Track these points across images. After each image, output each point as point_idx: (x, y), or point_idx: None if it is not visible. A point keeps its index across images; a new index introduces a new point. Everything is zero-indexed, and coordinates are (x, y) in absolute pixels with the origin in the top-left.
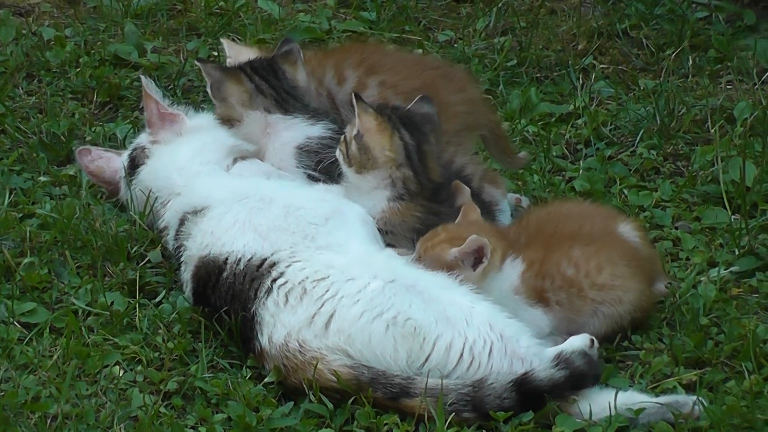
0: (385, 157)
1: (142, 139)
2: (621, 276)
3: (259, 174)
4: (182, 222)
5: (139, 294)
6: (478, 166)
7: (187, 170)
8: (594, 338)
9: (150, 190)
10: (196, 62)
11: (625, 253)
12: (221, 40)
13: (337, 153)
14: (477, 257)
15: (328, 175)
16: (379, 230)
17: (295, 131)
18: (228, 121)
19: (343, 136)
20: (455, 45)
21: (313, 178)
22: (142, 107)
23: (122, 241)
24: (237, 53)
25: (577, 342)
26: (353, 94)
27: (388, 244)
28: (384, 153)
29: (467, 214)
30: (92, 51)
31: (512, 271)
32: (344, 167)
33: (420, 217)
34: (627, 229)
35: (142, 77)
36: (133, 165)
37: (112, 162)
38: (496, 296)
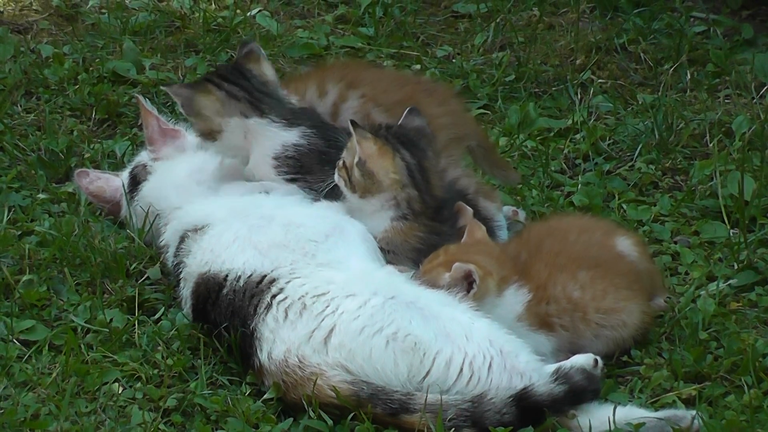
0: (390, 180)
1: (143, 156)
2: (625, 299)
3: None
4: (182, 239)
5: (138, 311)
6: (472, 179)
7: (186, 188)
8: (598, 358)
9: (150, 206)
10: (162, 88)
11: (629, 276)
12: None
13: (337, 179)
14: (469, 282)
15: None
16: (380, 249)
17: (272, 140)
18: (210, 135)
19: (341, 162)
20: (453, 60)
21: (294, 181)
22: (141, 124)
23: (121, 258)
24: None
25: (580, 360)
26: (350, 121)
27: (389, 264)
28: (389, 176)
29: (473, 232)
30: (91, 68)
31: (516, 299)
32: (347, 192)
33: (422, 237)
34: (626, 244)
35: (139, 96)
36: (135, 182)
37: (111, 181)
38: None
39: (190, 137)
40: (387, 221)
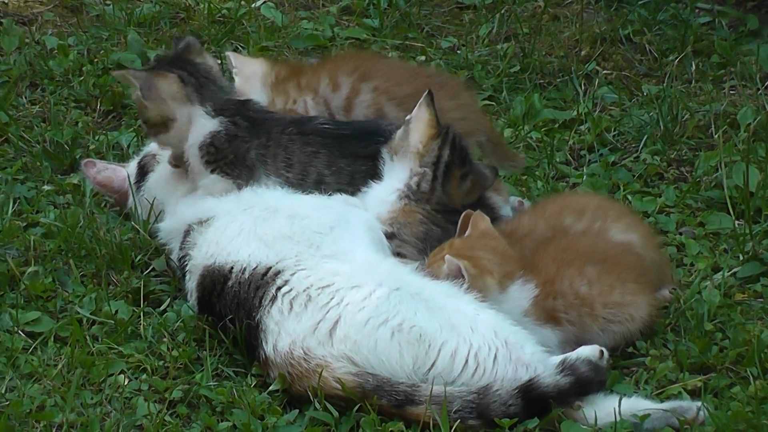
0: (416, 149)
1: (153, 146)
2: (632, 293)
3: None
4: (188, 232)
5: (144, 302)
6: None
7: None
8: (604, 349)
9: (155, 198)
10: (114, 75)
11: (636, 268)
12: (227, 54)
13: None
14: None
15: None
16: (385, 234)
17: (200, 128)
18: (161, 125)
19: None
20: (458, 51)
21: (214, 170)
22: None
23: (126, 249)
24: (242, 64)
25: (586, 351)
26: (428, 91)
27: (397, 254)
28: (417, 145)
29: (477, 224)
30: (95, 59)
31: (521, 295)
32: (388, 158)
33: (423, 223)
34: (628, 233)
35: None
36: (143, 172)
37: (118, 172)
38: None
39: None
40: (394, 196)
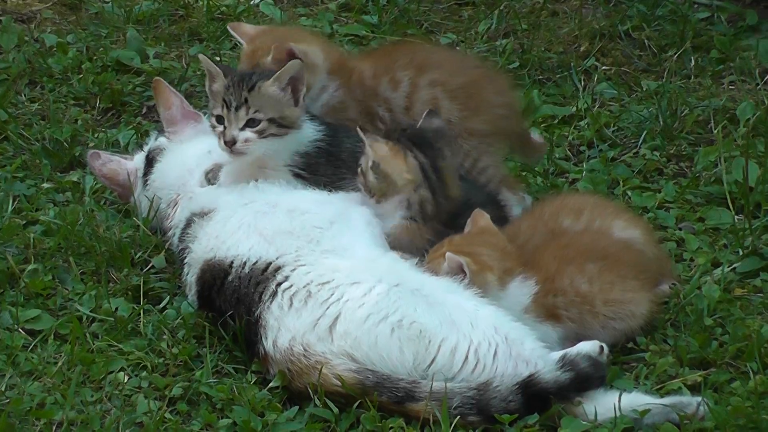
0: (404, 180)
1: (162, 141)
2: (633, 290)
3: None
4: (189, 223)
5: (144, 300)
6: (500, 169)
7: (197, 172)
8: (604, 345)
9: (162, 188)
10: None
11: (637, 265)
12: (231, 25)
13: (358, 184)
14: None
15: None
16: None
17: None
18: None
19: (359, 168)
20: (457, 48)
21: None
22: (145, 113)
23: (126, 246)
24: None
25: (586, 347)
26: (358, 127)
27: None
28: (402, 176)
29: (476, 221)
30: (94, 57)
31: (522, 291)
32: (366, 197)
33: (431, 241)
34: (629, 230)
35: (159, 78)
36: (150, 164)
37: (123, 164)
38: None
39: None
40: (396, 219)
